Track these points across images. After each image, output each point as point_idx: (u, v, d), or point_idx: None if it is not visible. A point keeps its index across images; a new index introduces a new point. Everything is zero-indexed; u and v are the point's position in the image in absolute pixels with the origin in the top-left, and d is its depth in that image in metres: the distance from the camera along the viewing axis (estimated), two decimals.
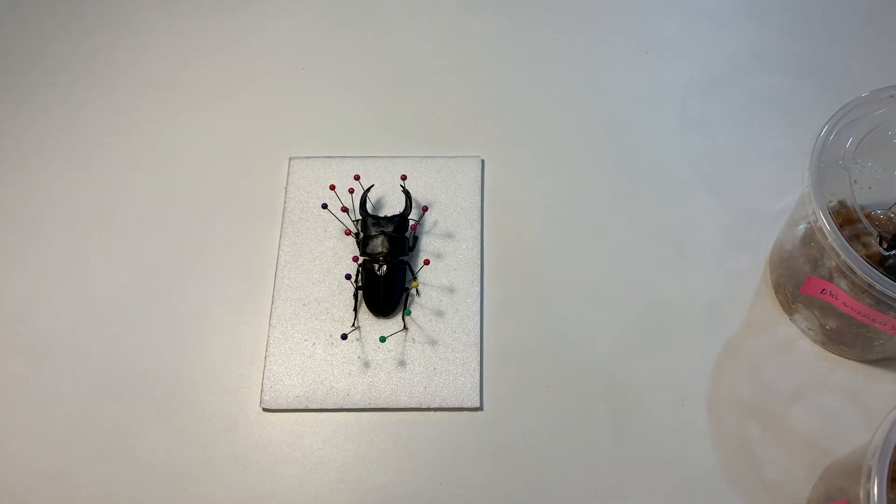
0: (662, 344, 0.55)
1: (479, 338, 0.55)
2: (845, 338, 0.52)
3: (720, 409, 0.52)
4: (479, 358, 0.54)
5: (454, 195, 0.60)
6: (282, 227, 0.59)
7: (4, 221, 0.61)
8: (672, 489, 0.50)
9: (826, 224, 0.44)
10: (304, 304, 0.56)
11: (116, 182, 0.62)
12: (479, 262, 0.57)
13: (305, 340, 0.55)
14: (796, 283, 0.52)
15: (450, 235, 0.58)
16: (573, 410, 0.53)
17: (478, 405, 0.53)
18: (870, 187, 0.48)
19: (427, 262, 0.56)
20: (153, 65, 0.68)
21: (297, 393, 0.53)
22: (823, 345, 0.53)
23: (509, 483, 0.51)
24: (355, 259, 0.56)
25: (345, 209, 0.58)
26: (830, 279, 0.48)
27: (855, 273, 0.44)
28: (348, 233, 0.56)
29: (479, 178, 0.61)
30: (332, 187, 0.58)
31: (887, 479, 0.38)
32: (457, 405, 0.53)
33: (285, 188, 0.61)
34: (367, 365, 0.54)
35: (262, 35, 0.69)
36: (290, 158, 0.62)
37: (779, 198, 0.59)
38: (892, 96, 0.48)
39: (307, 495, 0.51)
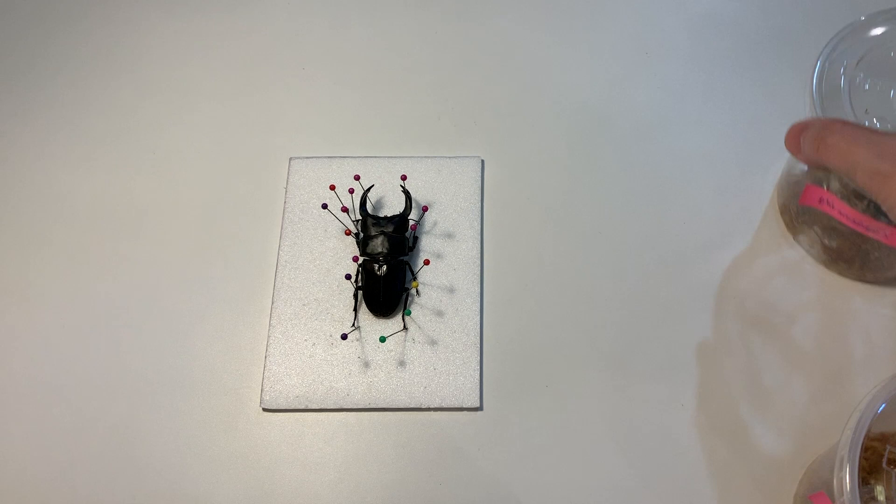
0: (661, 342, 0.55)
1: (479, 338, 0.55)
2: (845, 255, 0.54)
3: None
4: (478, 358, 0.54)
5: (454, 195, 0.60)
6: (282, 227, 0.59)
7: (4, 221, 0.61)
8: (671, 489, 0.50)
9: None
10: (304, 305, 0.56)
11: (117, 182, 0.62)
12: (479, 262, 0.57)
13: (305, 340, 0.55)
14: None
15: (450, 235, 0.58)
16: (573, 410, 0.53)
17: (478, 405, 0.53)
18: (866, 110, 0.49)
19: (427, 262, 0.56)
20: (153, 65, 0.68)
21: (297, 393, 0.53)
22: (825, 264, 0.56)
23: (509, 483, 0.51)
24: (355, 259, 0.56)
25: (345, 209, 0.58)
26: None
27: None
28: (348, 233, 0.56)
29: (479, 178, 0.61)
30: (332, 187, 0.58)
31: (858, 468, 0.39)
32: (456, 405, 0.53)
33: (285, 188, 0.61)
34: (367, 365, 0.54)
35: (262, 35, 0.69)
36: (290, 158, 0.62)
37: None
38: (887, 19, 0.50)
39: (307, 495, 0.51)
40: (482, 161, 0.62)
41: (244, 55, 0.68)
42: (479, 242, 0.58)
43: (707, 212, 0.60)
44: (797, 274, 0.56)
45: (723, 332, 0.55)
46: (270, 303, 0.56)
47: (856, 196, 0.48)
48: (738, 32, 0.68)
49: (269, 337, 0.55)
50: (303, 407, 0.53)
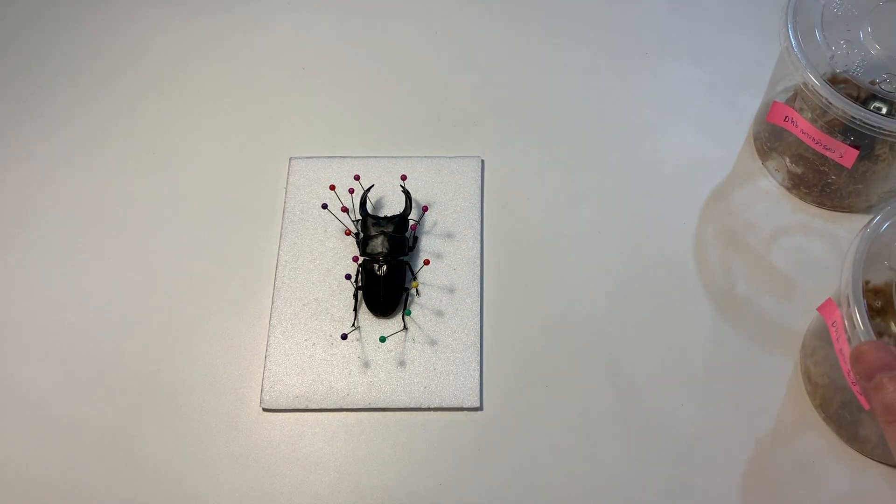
0: (661, 342, 0.55)
1: (479, 338, 0.55)
2: (806, 180, 0.58)
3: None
4: (478, 358, 0.54)
5: (454, 195, 0.60)
6: (282, 227, 0.59)
7: (4, 221, 0.61)
8: (671, 488, 0.50)
9: (792, 41, 0.51)
10: (304, 304, 0.56)
11: (117, 182, 0.62)
12: (479, 262, 0.57)
13: (305, 340, 0.55)
14: (771, 131, 0.59)
15: (450, 235, 0.58)
16: (573, 410, 0.53)
17: (477, 405, 0.53)
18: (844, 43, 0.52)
19: (427, 262, 0.56)
20: (153, 65, 0.68)
21: (297, 393, 0.53)
22: (789, 189, 0.60)
23: (509, 483, 0.51)
24: (355, 259, 0.56)
25: (345, 209, 0.58)
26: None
27: (812, 89, 0.50)
28: (348, 233, 0.56)
29: (479, 178, 0.61)
30: (332, 187, 0.58)
31: (865, 304, 0.41)
32: (456, 405, 0.53)
33: (285, 188, 0.61)
34: (367, 365, 0.54)
35: (262, 35, 0.69)
36: (290, 158, 0.62)
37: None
38: None
39: (307, 495, 0.51)
40: (482, 161, 0.62)
41: (244, 55, 0.68)
42: (479, 242, 0.58)
43: (707, 211, 0.60)
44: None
45: (723, 329, 0.55)
46: (270, 303, 0.56)
47: (818, 115, 0.52)
48: (739, 34, 0.68)
49: (269, 337, 0.55)
50: (303, 407, 0.53)
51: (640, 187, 0.61)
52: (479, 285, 0.56)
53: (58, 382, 0.54)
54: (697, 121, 0.64)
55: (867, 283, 0.43)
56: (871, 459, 0.50)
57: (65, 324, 0.56)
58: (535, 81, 0.66)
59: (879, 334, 0.42)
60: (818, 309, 0.47)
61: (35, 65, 0.68)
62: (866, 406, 0.42)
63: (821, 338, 0.50)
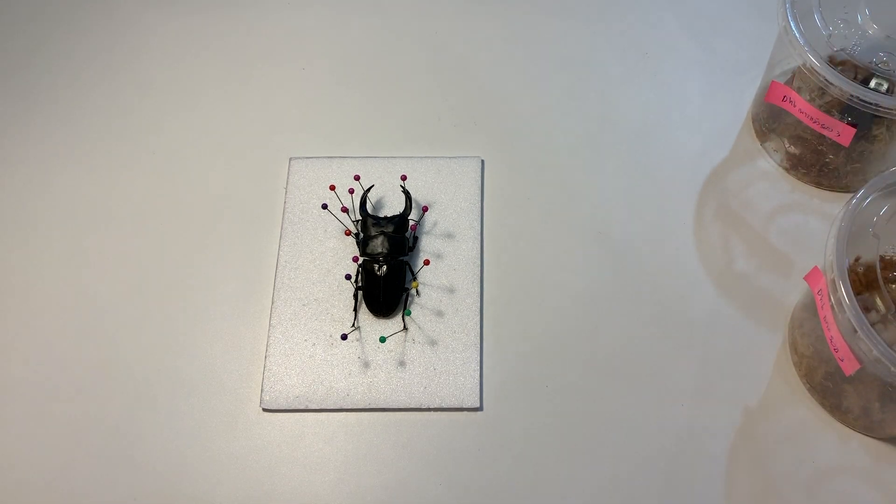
0: (660, 342, 0.55)
1: (479, 338, 0.55)
2: (804, 160, 0.59)
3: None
4: (478, 358, 0.54)
5: (454, 195, 0.60)
6: (282, 227, 0.59)
7: (4, 221, 0.61)
8: (671, 488, 0.50)
9: (791, 22, 0.51)
10: (304, 305, 0.56)
11: (117, 182, 0.62)
12: (479, 262, 0.57)
13: (305, 340, 0.55)
14: (770, 112, 0.60)
15: (450, 235, 0.58)
16: (573, 410, 0.53)
17: (477, 405, 0.53)
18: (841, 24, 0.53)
19: (427, 262, 0.56)
20: (153, 65, 0.68)
21: (297, 393, 0.53)
22: (787, 170, 0.61)
23: (509, 483, 0.51)
24: (355, 259, 0.56)
25: (345, 209, 0.58)
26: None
27: (811, 69, 0.51)
28: (348, 233, 0.56)
29: (479, 178, 0.61)
30: (332, 187, 0.58)
31: (851, 287, 0.42)
32: (456, 405, 0.53)
33: (285, 188, 0.61)
34: (367, 365, 0.54)
35: (262, 35, 0.69)
36: (290, 158, 0.62)
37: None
38: None
39: (307, 495, 0.51)
40: (482, 161, 0.62)
41: (244, 55, 0.68)
42: (479, 242, 0.58)
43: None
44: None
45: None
46: (270, 303, 0.56)
47: (816, 96, 0.53)
48: (738, 34, 0.68)
49: (269, 337, 0.55)
50: (303, 407, 0.53)
51: (639, 179, 0.61)
52: (479, 285, 0.56)
53: (58, 382, 0.54)
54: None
55: (857, 259, 0.45)
56: (853, 430, 0.51)
57: (64, 324, 0.56)
58: (535, 81, 0.66)
59: (866, 309, 0.43)
60: (805, 278, 0.48)
61: (34, 65, 0.68)
62: (847, 373, 0.43)
63: (809, 310, 0.51)
